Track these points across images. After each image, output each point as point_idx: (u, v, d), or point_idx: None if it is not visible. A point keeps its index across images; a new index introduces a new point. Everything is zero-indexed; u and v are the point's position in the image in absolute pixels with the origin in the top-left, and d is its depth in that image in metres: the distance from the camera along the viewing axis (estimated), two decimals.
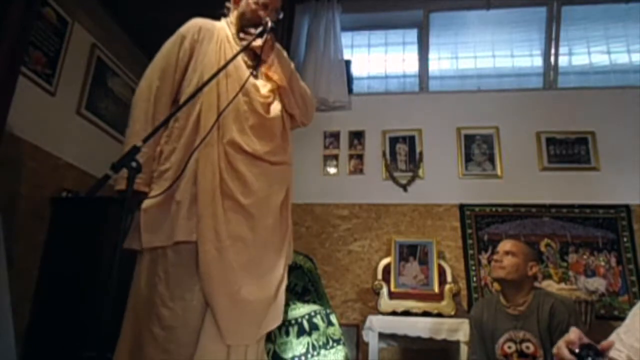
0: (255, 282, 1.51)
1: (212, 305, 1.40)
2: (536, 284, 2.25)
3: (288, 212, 1.72)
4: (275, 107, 1.69)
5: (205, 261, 1.41)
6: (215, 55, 1.59)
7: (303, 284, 2.13)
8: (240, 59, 1.63)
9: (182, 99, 1.55)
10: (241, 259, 1.48)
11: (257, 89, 1.65)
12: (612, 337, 1.13)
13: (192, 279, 1.43)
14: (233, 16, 1.73)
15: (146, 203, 1.45)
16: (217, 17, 1.74)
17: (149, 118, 1.53)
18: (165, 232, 1.44)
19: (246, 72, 1.63)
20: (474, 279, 3.26)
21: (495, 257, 2.20)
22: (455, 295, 3.05)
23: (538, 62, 3.96)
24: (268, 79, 1.75)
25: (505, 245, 2.21)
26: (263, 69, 1.74)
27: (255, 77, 1.67)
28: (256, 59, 1.65)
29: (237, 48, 1.64)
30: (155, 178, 1.51)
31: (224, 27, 1.70)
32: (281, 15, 1.71)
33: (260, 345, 1.57)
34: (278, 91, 1.75)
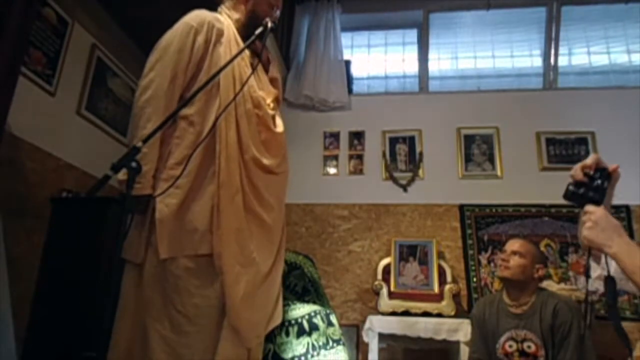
0: (268, 289, 1.56)
1: (236, 317, 1.41)
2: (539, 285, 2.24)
3: (283, 217, 1.76)
4: (280, 121, 1.71)
5: (231, 276, 1.41)
6: (228, 59, 1.54)
7: (303, 284, 2.12)
8: (249, 63, 1.62)
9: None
10: (264, 270, 1.52)
11: (265, 100, 1.65)
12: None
13: (209, 287, 1.42)
14: (238, 13, 1.68)
15: (161, 213, 1.41)
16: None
17: (161, 119, 1.46)
18: (184, 243, 1.42)
19: (254, 77, 1.61)
20: (474, 279, 3.26)
21: (502, 256, 2.17)
22: (455, 296, 3.04)
23: (538, 62, 3.96)
24: (269, 83, 1.75)
25: (514, 245, 2.17)
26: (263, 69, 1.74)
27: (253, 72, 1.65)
28: (256, 57, 1.65)
29: (245, 52, 1.61)
30: (163, 181, 1.44)
31: (230, 26, 1.63)
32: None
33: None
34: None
